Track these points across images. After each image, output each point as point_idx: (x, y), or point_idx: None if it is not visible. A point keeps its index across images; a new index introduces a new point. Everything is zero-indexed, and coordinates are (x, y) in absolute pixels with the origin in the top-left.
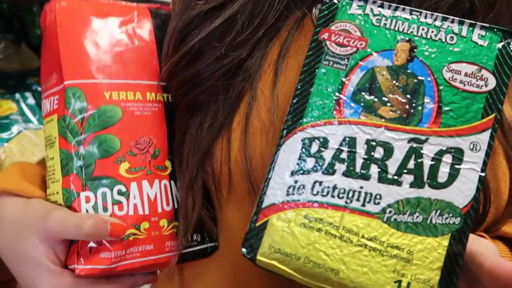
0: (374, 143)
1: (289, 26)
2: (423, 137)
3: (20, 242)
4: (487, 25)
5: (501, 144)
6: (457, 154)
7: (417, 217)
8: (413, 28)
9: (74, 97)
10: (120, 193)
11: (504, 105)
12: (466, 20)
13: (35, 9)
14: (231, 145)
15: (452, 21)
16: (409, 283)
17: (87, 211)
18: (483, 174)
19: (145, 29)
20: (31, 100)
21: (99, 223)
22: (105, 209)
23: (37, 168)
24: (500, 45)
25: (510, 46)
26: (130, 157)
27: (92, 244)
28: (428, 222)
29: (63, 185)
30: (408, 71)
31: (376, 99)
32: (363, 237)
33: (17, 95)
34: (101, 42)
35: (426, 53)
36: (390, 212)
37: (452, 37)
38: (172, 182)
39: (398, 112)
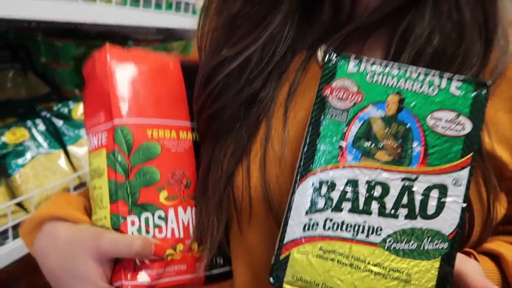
0: (373, 183)
1: (296, 66)
2: (413, 176)
3: (74, 260)
4: (462, 77)
5: (480, 170)
6: (442, 190)
7: (412, 244)
8: (401, 82)
9: (123, 134)
10: (160, 218)
11: (484, 135)
12: (446, 74)
13: (39, 38)
14: (251, 174)
15: (433, 75)
16: None
17: (132, 233)
18: (464, 205)
19: (177, 78)
20: (41, 127)
21: (146, 243)
22: (147, 231)
23: (79, 198)
24: (473, 94)
25: (482, 94)
26: (168, 186)
27: (137, 262)
28: (422, 248)
29: (111, 211)
30: (398, 120)
31: (372, 145)
32: (369, 263)
33: (29, 122)
34: (143, 88)
35: (412, 104)
36: (390, 241)
37: (433, 89)
38: None
39: (392, 155)
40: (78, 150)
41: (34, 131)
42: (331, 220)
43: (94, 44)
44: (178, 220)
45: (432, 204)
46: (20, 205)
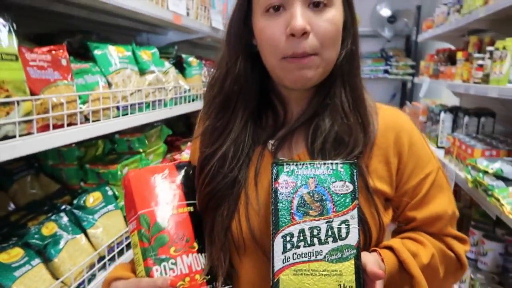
0: (311, 228)
1: (256, 155)
2: (331, 219)
3: None
4: (342, 161)
5: (371, 203)
6: (346, 223)
7: (338, 255)
8: (313, 171)
9: (143, 219)
10: (172, 263)
11: (369, 180)
12: (334, 162)
13: None
14: (241, 224)
15: (327, 164)
16: (345, 284)
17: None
18: (358, 228)
19: (175, 177)
20: (65, 218)
21: (164, 280)
22: (165, 273)
23: (129, 264)
24: (349, 169)
25: (353, 168)
26: (174, 244)
27: None
28: (343, 256)
29: (144, 265)
30: (317, 190)
31: (306, 208)
32: (320, 271)
33: (55, 217)
34: (151, 189)
35: (322, 180)
36: (327, 256)
37: (330, 171)
38: (199, 254)
39: (317, 211)
40: (95, 232)
41: (61, 222)
42: (295, 253)
43: (92, 145)
44: (184, 263)
45: (343, 232)
46: (62, 281)
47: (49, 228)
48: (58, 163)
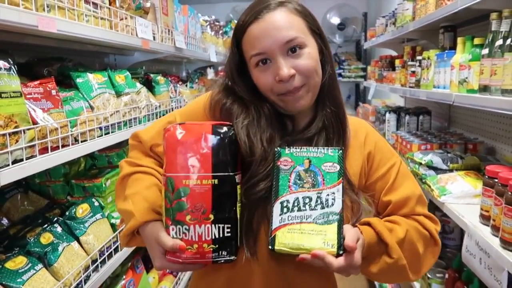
0: (304, 197)
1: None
2: (320, 191)
3: (150, 243)
4: (333, 147)
5: (348, 189)
6: (333, 194)
7: (325, 218)
8: (309, 154)
9: (169, 181)
10: (185, 229)
11: (347, 172)
12: (326, 148)
13: None
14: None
15: (321, 149)
16: (328, 242)
17: (172, 235)
18: (343, 199)
19: (207, 141)
20: (59, 228)
21: (175, 243)
22: (179, 235)
23: (153, 194)
24: (338, 153)
25: (340, 152)
26: (191, 213)
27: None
28: (329, 219)
29: (164, 221)
30: (310, 169)
31: (302, 182)
32: (309, 230)
33: (49, 228)
34: (183, 151)
35: (314, 162)
36: (315, 219)
37: (322, 154)
38: (213, 225)
39: (310, 184)
40: (87, 239)
41: (56, 232)
42: (289, 216)
43: (75, 162)
44: (195, 231)
45: (330, 201)
46: (63, 282)
47: (46, 238)
48: (45, 181)
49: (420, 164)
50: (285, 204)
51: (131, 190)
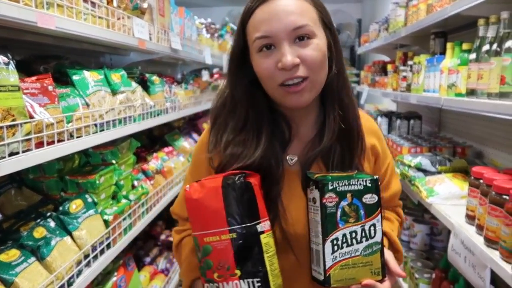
0: (351, 232)
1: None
2: (364, 224)
3: None
4: (370, 177)
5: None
6: (374, 225)
7: (369, 250)
8: (350, 187)
9: (196, 241)
10: (216, 287)
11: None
12: (364, 177)
13: None
14: (280, 229)
15: (361, 180)
16: (374, 270)
17: None
18: (381, 227)
19: (218, 195)
20: (52, 223)
21: None
22: None
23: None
24: (374, 184)
25: (376, 182)
26: (217, 270)
27: None
28: (373, 250)
29: (201, 280)
30: (353, 203)
31: (347, 217)
32: (358, 262)
33: (42, 222)
34: (201, 209)
35: (357, 195)
36: (362, 251)
37: (362, 185)
38: (241, 281)
39: (354, 219)
40: (80, 234)
41: (49, 227)
42: (340, 253)
43: (69, 158)
44: None
45: (372, 232)
46: (55, 276)
47: (39, 232)
48: (39, 176)
49: (410, 166)
50: (335, 242)
51: (182, 257)
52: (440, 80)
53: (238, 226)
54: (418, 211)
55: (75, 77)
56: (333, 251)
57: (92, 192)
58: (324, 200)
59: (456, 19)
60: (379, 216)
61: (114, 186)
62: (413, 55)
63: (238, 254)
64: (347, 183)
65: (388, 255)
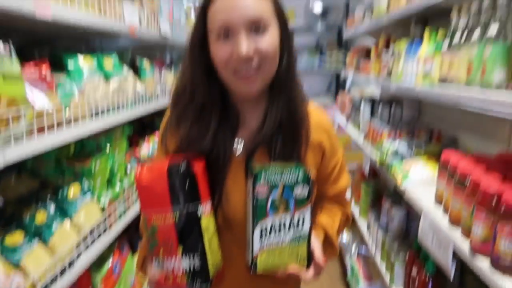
0: (280, 222)
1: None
2: (293, 214)
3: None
4: (303, 169)
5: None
6: (303, 216)
7: (297, 239)
8: (282, 180)
9: (144, 220)
10: (161, 263)
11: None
12: (297, 169)
13: None
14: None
15: (294, 170)
16: (300, 257)
17: (154, 269)
18: (310, 218)
19: (164, 179)
20: (52, 207)
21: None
22: (158, 268)
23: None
24: (307, 176)
25: (308, 175)
26: (162, 247)
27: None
28: (301, 239)
29: (148, 255)
30: (284, 193)
31: (276, 206)
32: (285, 251)
33: (45, 206)
34: (148, 192)
35: (288, 185)
36: (289, 241)
37: (294, 177)
38: (183, 255)
39: (284, 208)
40: (78, 219)
41: (50, 211)
42: (268, 240)
43: (65, 145)
44: (169, 264)
45: (300, 223)
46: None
47: (41, 216)
48: (37, 163)
49: (388, 151)
50: (263, 230)
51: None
52: (417, 69)
53: (180, 208)
54: (397, 195)
55: (70, 64)
56: (261, 238)
57: (88, 177)
58: (256, 189)
59: (434, 9)
60: (309, 206)
61: (108, 172)
62: (396, 40)
63: (180, 233)
64: (279, 174)
65: (315, 245)
